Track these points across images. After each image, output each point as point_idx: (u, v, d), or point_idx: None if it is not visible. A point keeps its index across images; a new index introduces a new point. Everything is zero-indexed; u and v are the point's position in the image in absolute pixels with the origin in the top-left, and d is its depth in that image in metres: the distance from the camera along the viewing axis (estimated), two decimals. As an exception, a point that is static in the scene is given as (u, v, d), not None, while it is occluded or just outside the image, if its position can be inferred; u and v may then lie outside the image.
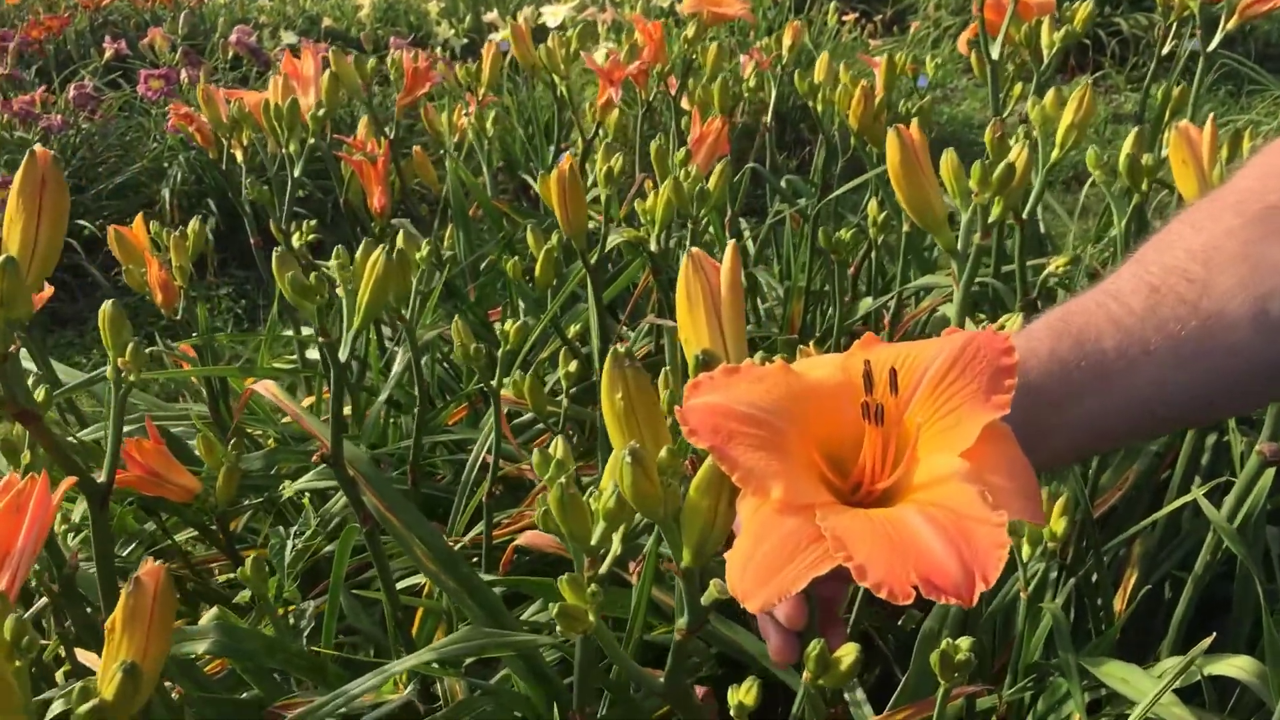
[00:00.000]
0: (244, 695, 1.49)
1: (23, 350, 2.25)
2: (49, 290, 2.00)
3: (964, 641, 0.98)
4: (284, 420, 2.31)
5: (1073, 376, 0.78)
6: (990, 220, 1.12)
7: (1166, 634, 1.46)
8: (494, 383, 1.42)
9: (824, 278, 2.27)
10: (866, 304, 2.02)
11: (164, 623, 0.79)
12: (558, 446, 0.79)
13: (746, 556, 0.60)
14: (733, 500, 0.63)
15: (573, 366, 1.46)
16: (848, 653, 0.70)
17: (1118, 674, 1.19)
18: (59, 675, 1.17)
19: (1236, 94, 5.26)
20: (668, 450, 0.66)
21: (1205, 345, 0.78)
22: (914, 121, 1.92)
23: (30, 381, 1.00)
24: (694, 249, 0.75)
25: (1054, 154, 1.44)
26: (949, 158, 1.14)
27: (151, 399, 2.34)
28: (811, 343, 1.44)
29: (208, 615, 1.49)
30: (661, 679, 0.78)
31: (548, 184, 1.38)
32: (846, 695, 1.42)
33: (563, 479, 0.71)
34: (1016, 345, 0.82)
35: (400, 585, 1.48)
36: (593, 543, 0.75)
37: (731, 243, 0.75)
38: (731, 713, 0.79)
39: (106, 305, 0.93)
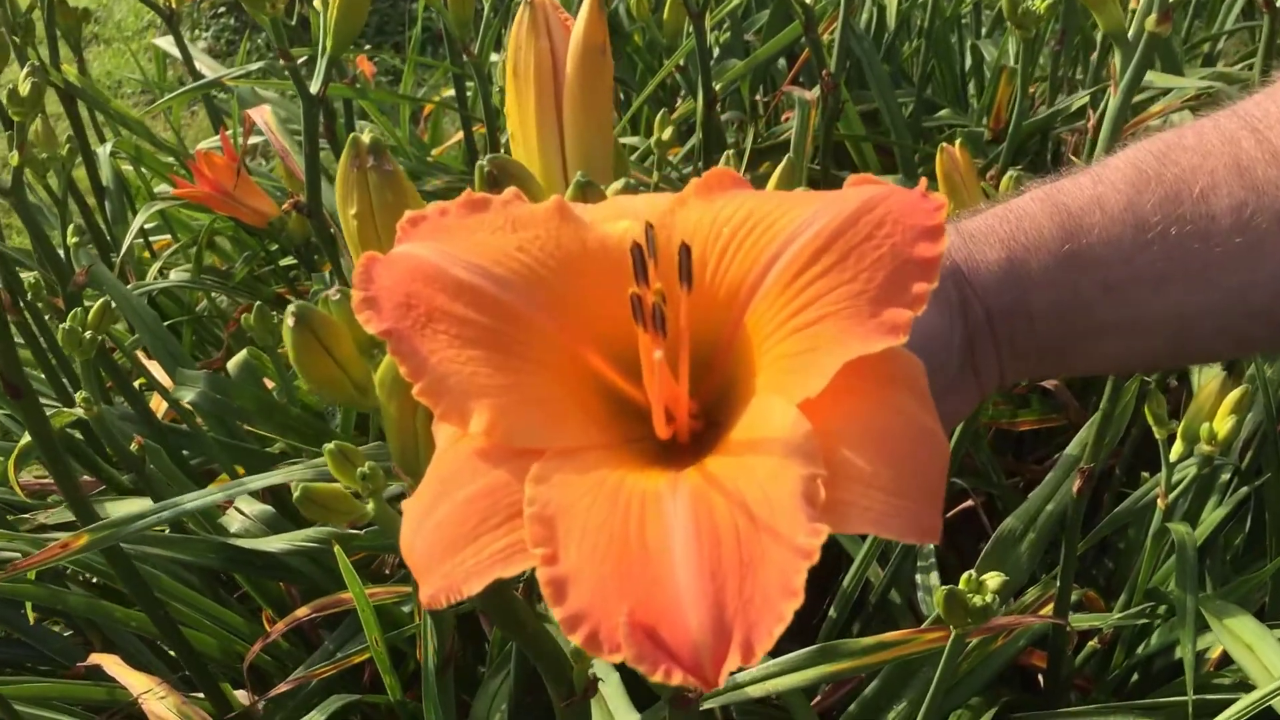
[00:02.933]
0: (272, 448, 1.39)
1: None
2: None
3: (992, 580, 0.73)
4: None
5: (1152, 251, 0.47)
6: (1173, -2, 0.77)
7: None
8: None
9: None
10: (1081, 101, 1.63)
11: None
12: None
13: (424, 511, 0.37)
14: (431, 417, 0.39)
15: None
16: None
17: (1244, 635, 0.89)
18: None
19: None
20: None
21: None
22: None
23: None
24: (542, -5, 0.47)
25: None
26: (1137, -98, 0.78)
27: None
28: (952, 146, 1.12)
29: (236, 359, 1.38)
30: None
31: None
32: (919, 578, 1.18)
33: (293, 307, 0.49)
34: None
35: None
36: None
37: (596, -12, 0.47)
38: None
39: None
